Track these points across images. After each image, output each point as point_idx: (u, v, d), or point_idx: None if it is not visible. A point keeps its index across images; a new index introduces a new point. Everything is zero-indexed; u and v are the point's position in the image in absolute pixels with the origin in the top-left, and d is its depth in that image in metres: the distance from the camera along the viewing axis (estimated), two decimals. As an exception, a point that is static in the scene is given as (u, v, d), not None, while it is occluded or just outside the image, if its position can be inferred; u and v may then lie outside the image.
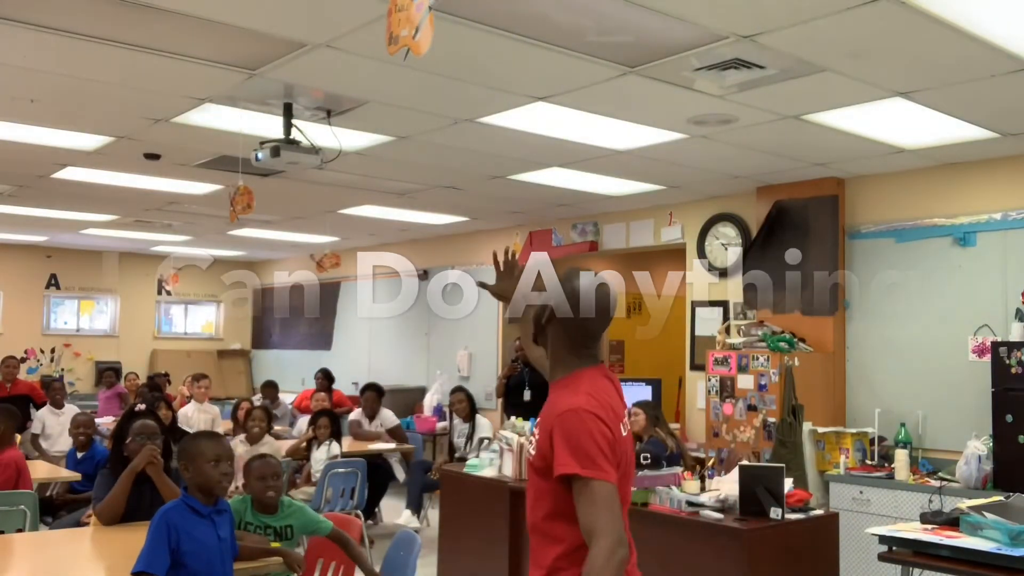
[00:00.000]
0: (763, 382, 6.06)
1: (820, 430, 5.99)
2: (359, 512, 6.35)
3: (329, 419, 6.94)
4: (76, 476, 5.99)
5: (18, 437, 7.47)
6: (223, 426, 8.21)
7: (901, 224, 6.19)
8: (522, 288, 2.41)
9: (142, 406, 4.64)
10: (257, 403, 8.92)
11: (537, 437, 2.21)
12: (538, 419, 2.25)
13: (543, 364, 2.44)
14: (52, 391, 8.39)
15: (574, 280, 2.24)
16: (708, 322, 7.31)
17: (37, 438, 8.05)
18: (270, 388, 9.69)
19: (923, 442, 5.91)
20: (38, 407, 8.55)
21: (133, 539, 3.41)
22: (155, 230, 10.17)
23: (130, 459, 4.17)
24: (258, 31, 3.75)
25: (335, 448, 6.70)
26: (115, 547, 3.76)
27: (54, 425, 8.13)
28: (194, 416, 8.16)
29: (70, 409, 8.23)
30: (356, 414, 8.36)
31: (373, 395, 8.21)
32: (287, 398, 9.86)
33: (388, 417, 8.18)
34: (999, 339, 5.42)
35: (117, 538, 3.87)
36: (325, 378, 9.67)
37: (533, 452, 2.22)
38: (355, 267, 11.68)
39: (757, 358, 6.12)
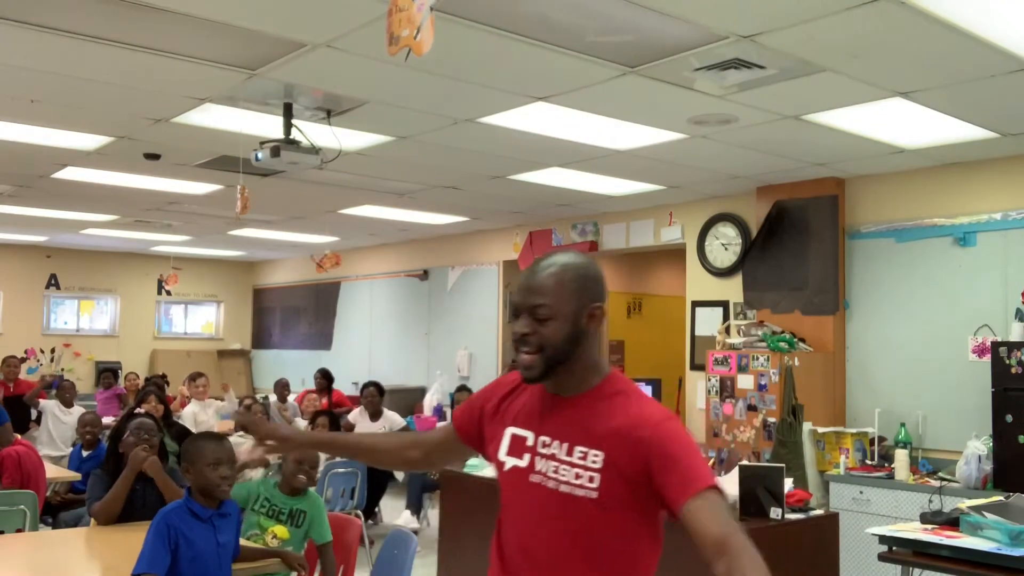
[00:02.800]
0: (763, 382, 6.06)
1: (820, 430, 5.99)
2: (359, 512, 6.35)
3: (328, 419, 6.94)
4: (76, 476, 6.00)
5: (18, 437, 7.50)
6: (224, 425, 8.21)
7: (901, 224, 6.19)
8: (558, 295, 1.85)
9: (141, 409, 4.66)
10: (262, 401, 9.00)
11: (592, 462, 1.80)
12: (582, 438, 1.82)
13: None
14: (62, 390, 8.48)
15: (586, 260, 1.92)
16: (708, 322, 7.31)
17: (37, 421, 8.13)
18: (282, 386, 9.73)
19: (923, 442, 5.91)
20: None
21: (132, 539, 3.40)
22: (155, 230, 10.17)
23: (124, 455, 4.19)
24: (258, 31, 3.75)
25: (334, 448, 6.69)
26: (114, 547, 3.76)
27: (59, 423, 8.19)
28: (199, 414, 8.15)
29: (77, 410, 8.31)
30: (354, 414, 8.34)
31: (374, 391, 8.13)
32: (288, 398, 9.86)
33: (395, 419, 8.13)
34: (999, 339, 5.42)
35: (116, 538, 3.86)
36: (324, 378, 9.68)
37: (585, 483, 1.79)
38: (355, 267, 11.70)
39: (757, 358, 6.12)
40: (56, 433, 8.13)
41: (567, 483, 1.81)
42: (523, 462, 1.89)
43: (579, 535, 1.80)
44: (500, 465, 1.96)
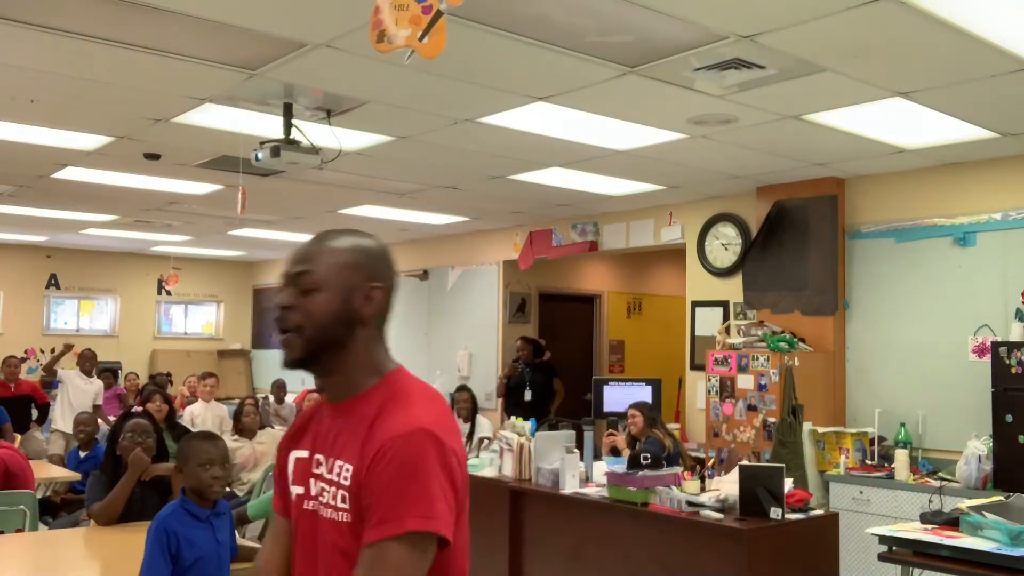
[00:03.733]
0: (763, 382, 6.06)
1: (820, 430, 5.99)
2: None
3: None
4: (76, 476, 6.00)
5: (18, 437, 7.50)
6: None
7: (901, 224, 6.19)
8: (326, 268, 1.58)
9: (139, 408, 4.66)
10: (262, 401, 9.00)
11: (343, 478, 1.51)
12: (340, 451, 1.55)
13: None
14: (83, 358, 8.58)
15: (373, 237, 1.66)
16: (708, 322, 7.31)
17: (50, 407, 8.20)
18: (280, 387, 9.74)
19: (923, 442, 5.91)
20: (40, 408, 8.58)
21: (131, 539, 3.41)
22: (155, 230, 10.17)
23: (122, 458, 4.19)
24: (258, 31, 3.75)
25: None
26: (114, 547, 3.76)
27: (80, 391, 8.26)
28: (201, 415, 8.14)
29: (97, 381, 8.49)
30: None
31: None
32: (288, 398, 9.86)
33: None
34: (999, 339, 5.42)
35: (115, 538, 3.87)
36: (324, 378, 9.66)
37: (339, 503, 1.51)
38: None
39: (757, 358, 6.12)
40: (76, 403, 8.15)
41: (329, 506, 1.53)
42: (302, 488, 1.62)
43: (347, 571, 1.46)
44: (290, 497, 1.66)
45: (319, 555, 1.54)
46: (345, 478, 1.51)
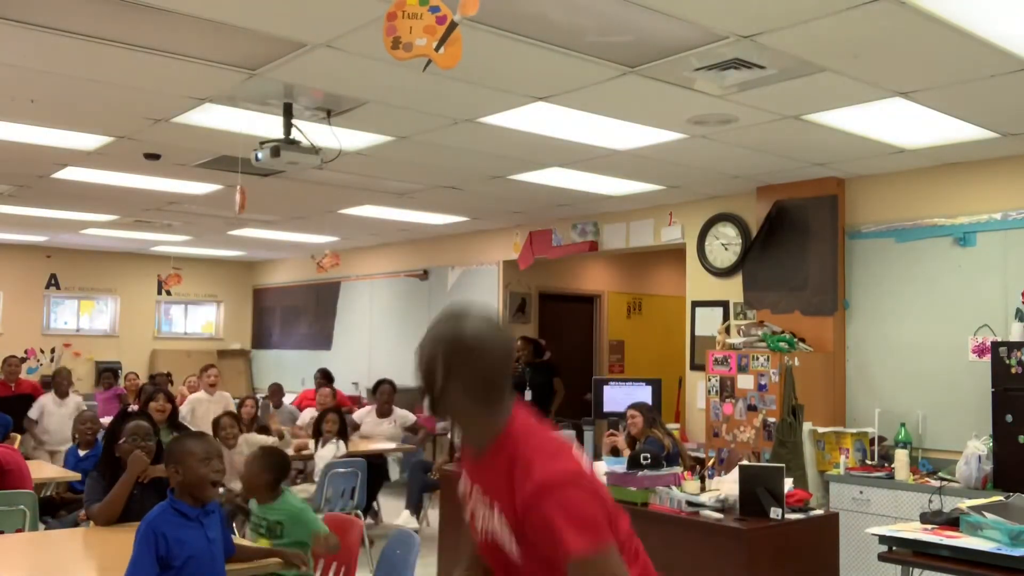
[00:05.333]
0: (763, 382, 6.06)
1: (820, 430, 5.99)
2: (359, 512, 6.34)
3: (337, 416, 6.93)
4: (76, 476, 5.99)
5: (17, 437, 7.50)
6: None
7: (901, 224, 6.19)
8: None
9: (135, 407, 4.65)
10: (261, 403, 8.97)
11: (499, 512, 1.91)
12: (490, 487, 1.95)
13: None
14: (59, 377, 8.47)
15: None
16: (708, 322, 7.31)
17: (34, 425, 8.09)
18: (275, 390, 9.72)
19: (923, 442, 5.91)
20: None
21: (130, 539, 3.39)
22: (155, 230, 10.17)
23: (121, 459, 4.18)
24: (258, 31, 3.75)
25: (342, 447, 6.69)
26: (113, 547, 3.76)
27: (53, 416, 8.17)
28: (204, 405, 8.10)
29: (74, 400, 8.37)
30: (359, 413, 8.33)
31: (388, 388, 8.14)
32: (287, 398, 9.86)
33: (406, 415, 8.14)
34: (999, 339, 5.42)
35: (115, 538, 3.86)
36: (324, 378, 9.68)
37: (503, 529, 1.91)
38: (355, 267, 11.70)
39: (757, 358, 6.12)
40: (51, 429, 8.09)
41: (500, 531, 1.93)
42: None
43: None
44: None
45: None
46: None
